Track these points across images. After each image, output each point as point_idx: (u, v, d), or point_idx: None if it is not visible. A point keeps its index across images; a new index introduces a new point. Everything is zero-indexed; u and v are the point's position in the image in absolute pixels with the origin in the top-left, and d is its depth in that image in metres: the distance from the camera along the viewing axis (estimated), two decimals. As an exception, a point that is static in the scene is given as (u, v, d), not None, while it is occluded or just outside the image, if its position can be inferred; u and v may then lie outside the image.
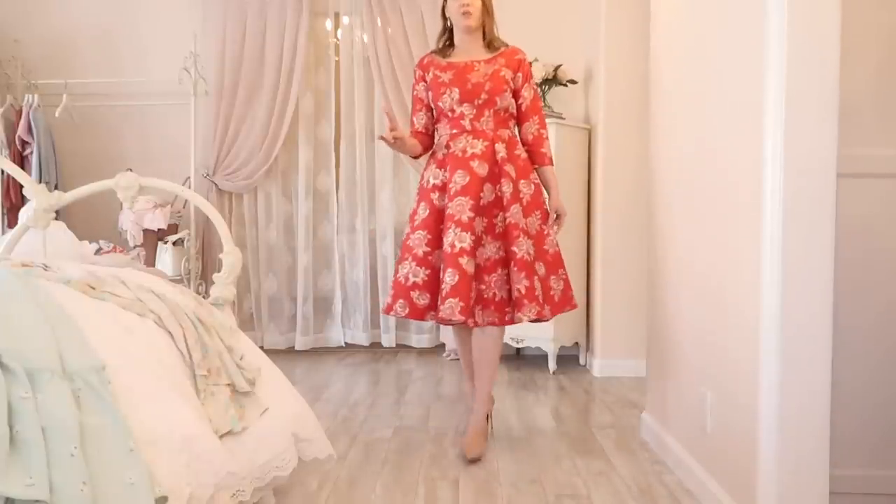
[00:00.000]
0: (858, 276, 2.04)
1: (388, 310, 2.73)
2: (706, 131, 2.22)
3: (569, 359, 4.30)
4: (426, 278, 2.66)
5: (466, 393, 2.95)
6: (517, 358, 4.48)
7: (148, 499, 1.09)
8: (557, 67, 4.21)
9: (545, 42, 4.41)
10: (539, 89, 4.22)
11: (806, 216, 1.70)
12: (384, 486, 2.30)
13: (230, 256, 2.24)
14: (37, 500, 0.98)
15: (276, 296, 4.68)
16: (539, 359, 4.28)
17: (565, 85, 4.25)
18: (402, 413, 3.20)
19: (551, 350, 4.03)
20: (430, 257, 2.67)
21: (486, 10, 2.73)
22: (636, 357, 3.75)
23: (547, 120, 3.96)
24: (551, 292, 2.72)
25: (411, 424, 2.98)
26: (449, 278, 2.56)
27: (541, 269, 2.70)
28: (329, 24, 4.65)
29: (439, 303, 2.58)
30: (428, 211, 2.71)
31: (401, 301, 2.68)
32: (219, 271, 2.23)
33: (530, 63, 2.83)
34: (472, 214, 2.61)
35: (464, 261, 2.56)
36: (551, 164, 2.84)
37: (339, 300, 4.66)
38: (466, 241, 2.58)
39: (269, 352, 3.04)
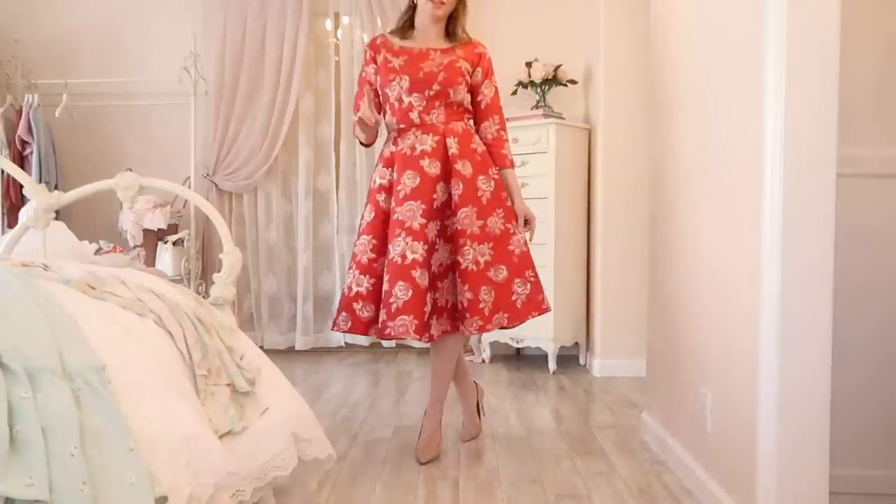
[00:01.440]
0: (858, 277, 2.04)
1: (333, 324, 2.52)
2: (706, 133, 2.22)
3: (569, 359, 4.31)
4: (370, 288, 2.45)
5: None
6: (517, 358, 4.49)
7: (148, 499, 1.09)
8: (557, 67, 4.21)
9: (545, 42, 4.42)
10: (540, 89, 4.23)
11: (806, 216, 1.70)
12: (384, 485, 2.30)
13: (230, 256, 2.24)
14: (37, 500, 0.98)
15: (276, 296, 4.68)
16: (539, 359, 4.28)
17: (565, 85, 4.25)
18: (402, 413, 3.20)
19: (551, 350, 4.03)
20: (374, 265, 2.46)
21: (463, 3, 2.55)
22: (636, 357, 3.75)
23: (547, 120, 4.02)
24: (513, 297, 2.49)
25: (411, 424, 2.98)
26: (401, 293, 2.35)
27: (501, 273, 2.47)
28: (329, 24, 4.65)
29: (386, 318, 2.37)
30: (374, 214, 2.49)
31: (343, 314, 2.48)
32: (219, 271, 2.23)
33: (490, 59, 2.62)
34: (424, 221, 2.41)
35: (417, 273, 2.36)
36: (512, 166, 2.63)
37: (339, 300, 4.65)
38: (419, 251, 2.38)
39: (269, 352, 3.04)
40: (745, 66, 1.89)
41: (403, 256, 2.39)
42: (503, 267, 2.49)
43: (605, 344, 3.99)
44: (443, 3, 2.49)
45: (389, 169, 2.53)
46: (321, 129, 4.69)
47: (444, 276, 2.52)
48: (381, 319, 2.41)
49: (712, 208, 2.16)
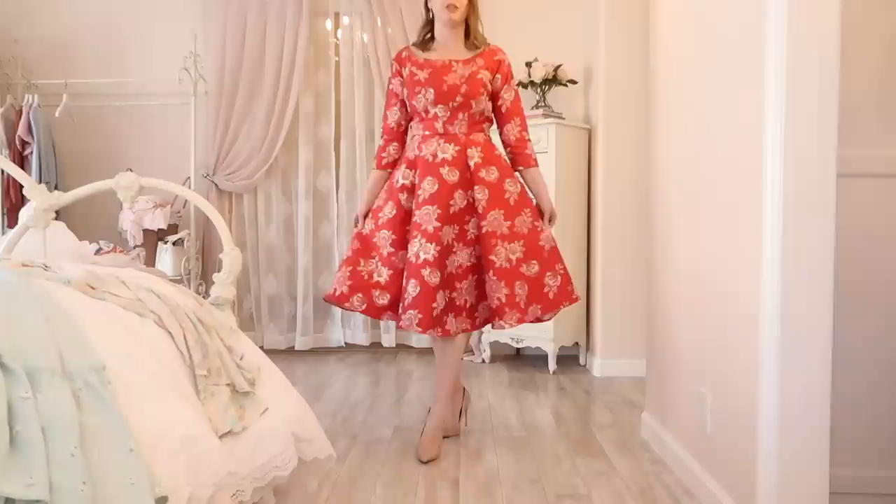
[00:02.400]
0: (858, 277, 2.04)
1: (343, 299, 2.62)
2: (706, 132, 2.22)
3: (569, 359, 4.30)
4: (388, 279, 2.63)
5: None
6: (517, 358, 4.48)
7: (148, 499, 1.08)
8: (557, 67, 4.21)
9: (545, 42, 4.41)
10: (540, 89, 4.23)
11: (806, 216, 1.70)
12: (384, 486, 2.30)
13: (230, 256, 2.24)
14: (37, 500, 0.98)
15: (276, 296, 4.68)
16: (539, 359, 4.28)
17: (565, 85, 4.25)
18: (402, 413, 3.20)
19: (551, 350, 4.03)
20: (393, 258, 2.63)
21: (472, 5, 2.66)
22: (636, 357, 3.75)
23: (547, 120, 4.01)
24: (545, 290, 2.64)
25: (411, 424, 2.98)
26: (412, 289, 2.53)
27: (533, 267, 2.62)
28: (329, 24, 4.65)
29: (401, 311, 2.57)
30: (395, 211, 2.65)
31: (360, 295, 2.63)
32: (219, 271, 2.23)
33: (510, 64, 2.76)
34: (438, 224, 2.56)
35: (426, 272, 2.52)
36: (536, 165, 2.76)
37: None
38: (431, 252, 2.53)
39: (269, 352, 3.04)
40: (746, 67, 1.89)
41: (417, 256, 2.55)
42: (535, 262, 2.63)
43: (605, 344, 3.99)
44: (456, 7, 2.61)
45: (412, 171, 2.66)
46: (321, 129, 4.69)
47: (464, 277, 2.63)
48: (399, 312, 2.60)
49: (712, 208, 2.16)
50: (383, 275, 2.64)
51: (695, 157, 2.33)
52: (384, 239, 2.65)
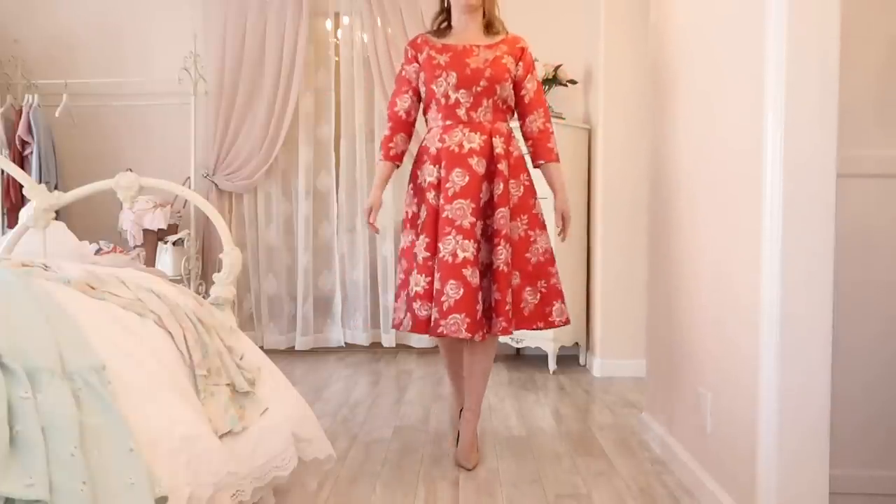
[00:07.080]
0: (858, 277, 2.04)
1: (398, 325, 2.55)
2: (707, 134, 2.23)
3: (569, 359, 4.30)
4: (427, 286, 2.45)
5: (451, 394, 2.85)
6: (517, 358, 4.49)
7: (148, 499, 1.08)
8: (557, 67, 4.21)
9: (545, 42, 4.40)
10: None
11: (806, 216, 1.70)
12: (384, 486, 2.30)
13: (230, 256, 2.24)
14: (37, 500, 0.98)
15: (276, 296, 4.68)
16: (539, 359, 4.28)
17: (565, 85, 4.25)
18: (402, 413, 3.20)
19: (551, 350, 4.03)
20: (429, 263, 2.46)
21: None
22: (636, 357, 3.75)
23: (547, 120, 4.00)
24: (521, 305, 2.50)
25: (411, 424, 2.98)
26: (452, 291, 2.36)
27: (515, 279, 2.50)
28: (329, 24, 4.65)
29: (438, 316, 2.38)
30: (427, 213, 2.49)
31: (408, 315, 2.49)
32: (219, 271, 2.23)
33: (531, 53, 2.66)
34: (473, 219, 2.42)
35: (468, 272, 2.37)
36: (558, 160, 2.64)
37: (339, 300, 4.66)
38: (470, 250, 2.39)
39: (269, 352, 3.04)
40: (746, 67, 1.89)
41: (454, 255, 2.39)
42: (517, 273, 2.50)
43: (605, 344, 3.99)
44: None
45: (437, 166, 2.50)
46: (321, 129, 4.69)
47: (485, 275, 2.47)
48: (432, 318, 2.40)
49: (712, 209, 2.16)
50: (420, 283, 2.45)
51: (695, 158, 2.33)
52: (420, 245, 2.48)
